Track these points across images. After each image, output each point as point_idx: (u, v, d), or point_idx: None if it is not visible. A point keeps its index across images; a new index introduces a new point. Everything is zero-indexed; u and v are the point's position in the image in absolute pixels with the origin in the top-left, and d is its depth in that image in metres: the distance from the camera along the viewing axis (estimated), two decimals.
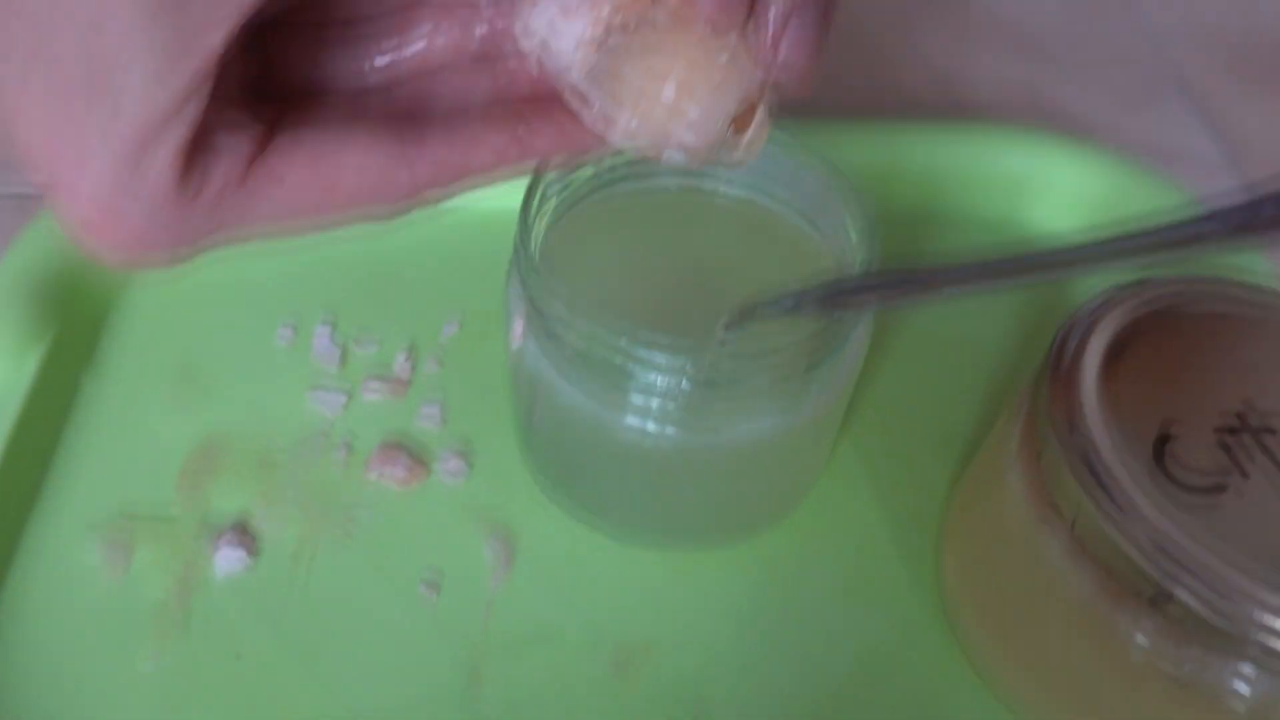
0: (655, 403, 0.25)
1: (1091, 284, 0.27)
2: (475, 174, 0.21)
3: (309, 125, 0.19)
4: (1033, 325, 0.36)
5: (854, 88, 0.45)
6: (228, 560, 0.28)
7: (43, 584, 0.28)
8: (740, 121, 0.21)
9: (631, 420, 0.25)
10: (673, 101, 0.20)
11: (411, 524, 0.29)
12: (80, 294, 0.33)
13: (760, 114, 0.21)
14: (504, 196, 0.36)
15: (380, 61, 0.21)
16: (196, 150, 0.17)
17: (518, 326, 0.26)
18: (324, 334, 0.34)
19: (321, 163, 0.19)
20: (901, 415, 0.33)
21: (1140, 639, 0.22)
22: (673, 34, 0.20)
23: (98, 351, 0.33)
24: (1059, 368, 0.24)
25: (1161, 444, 0.23)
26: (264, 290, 0.35)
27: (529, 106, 0.21)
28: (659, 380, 0.24)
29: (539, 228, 0.27)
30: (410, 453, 0.31)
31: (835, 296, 0.23)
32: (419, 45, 0.21)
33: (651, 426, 0.25)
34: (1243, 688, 0.21)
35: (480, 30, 0.22)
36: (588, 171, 0.28)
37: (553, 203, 0.27)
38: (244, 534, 0.29)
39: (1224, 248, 0.16)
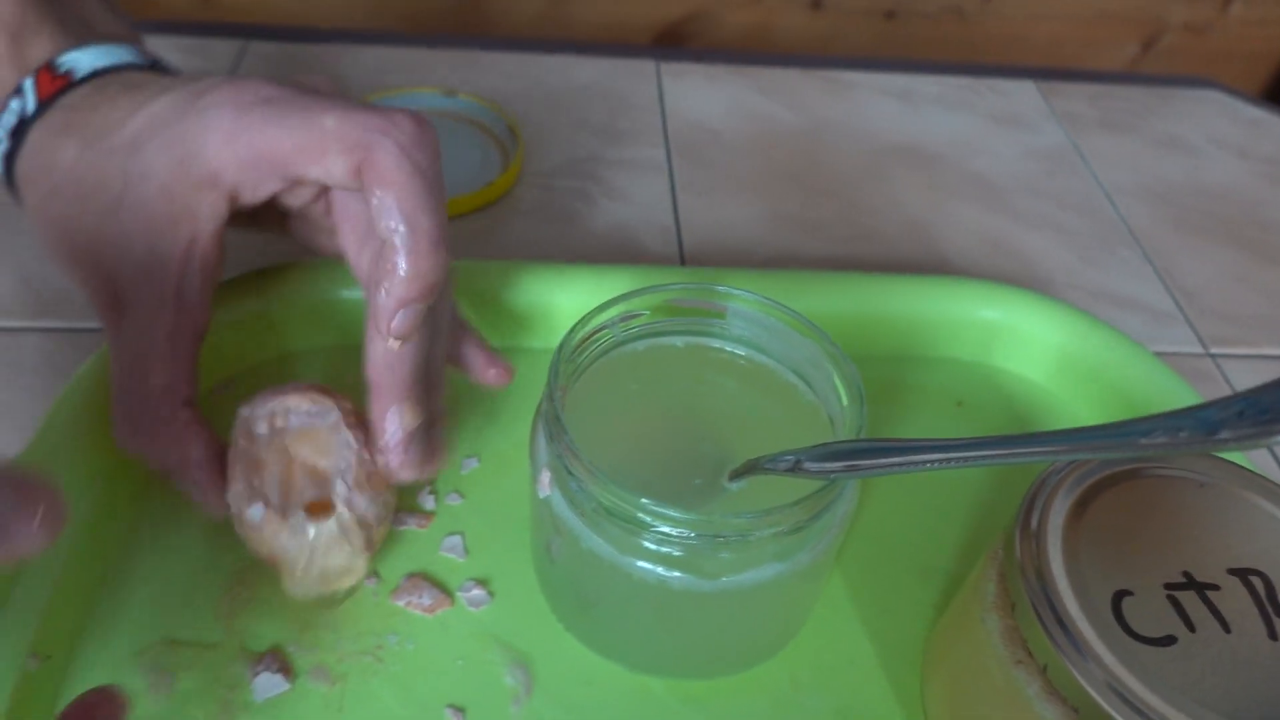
0: (667, 551, 0.27)
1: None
2: None
3: None
4: (1008, 468, 0.40)
5: (838, 237, 0.49)
6: (267, 684, 0.30)
7: None
8: (313, 509, 0.30)
9: (645, 565, 0.28)
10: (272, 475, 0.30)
11: (438, 649, 0.32)
12: None
13: (332, 525, 0.30)
14: (522, 340, 0.39)
15: None
16: None
17: (545, 477, 0.29)
18: None
19: None
20: (888, 550, 0.36)
21: None
22: (328, 436, 0.30)
23: (150, 485, 0.35)
24: (1028, 526, 0.27)
25: (1119, 598, 0.26)
26: None
27: None
28: (671, 532, 0.27)
29: (564, 389, 0.30)
30: (436, 582, 0.33)
31: (829, 460, 0.27)
32: None
33: (663, 571, 0.28)
34: None
35: None
36: (606, 334, 0.31)
37: (573, 363, 0.31)
38: (281, 659, 0.31)
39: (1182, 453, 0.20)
